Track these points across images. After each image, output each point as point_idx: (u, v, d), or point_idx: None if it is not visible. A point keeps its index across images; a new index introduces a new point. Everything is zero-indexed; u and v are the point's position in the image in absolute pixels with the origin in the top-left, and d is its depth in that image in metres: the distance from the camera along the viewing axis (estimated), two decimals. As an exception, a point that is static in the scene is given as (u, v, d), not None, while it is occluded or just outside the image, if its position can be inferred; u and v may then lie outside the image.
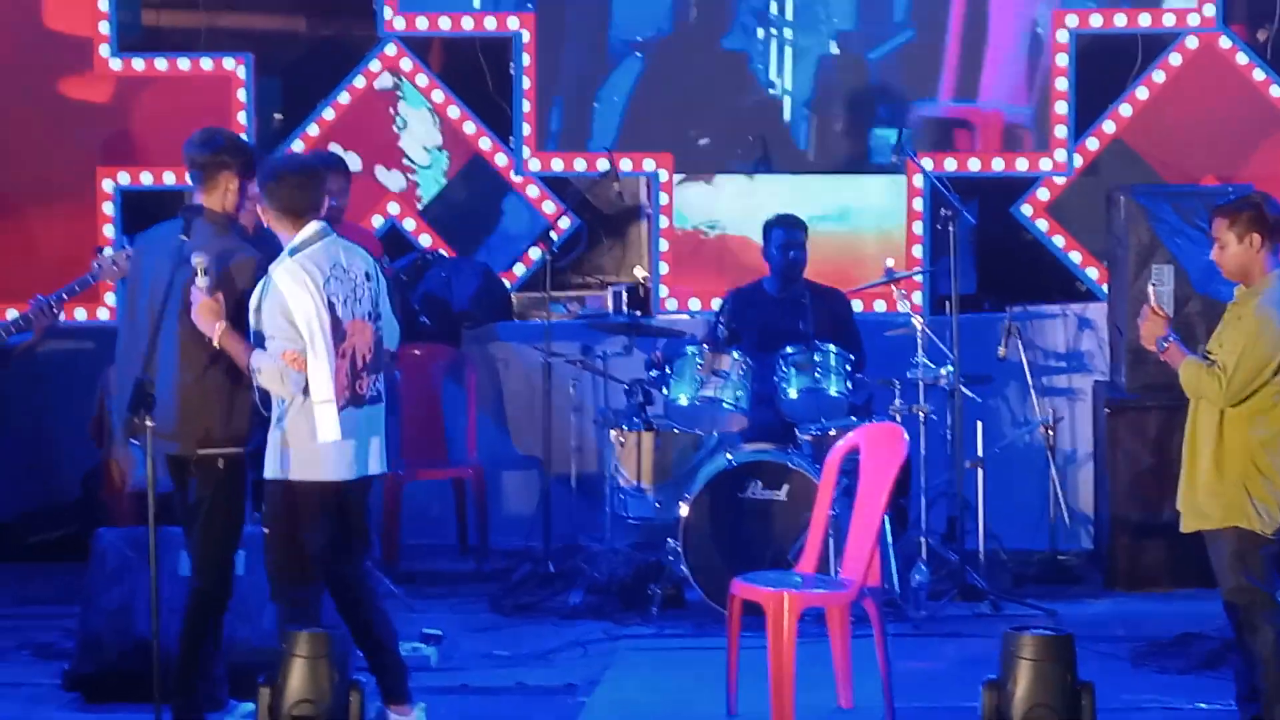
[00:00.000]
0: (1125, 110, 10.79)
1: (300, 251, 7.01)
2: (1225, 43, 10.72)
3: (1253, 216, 6.91)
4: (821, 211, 10.64)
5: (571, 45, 10.95)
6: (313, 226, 7.06)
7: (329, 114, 10.95)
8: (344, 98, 10.97)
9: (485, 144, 10.99)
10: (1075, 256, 10.81)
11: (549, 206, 10.89)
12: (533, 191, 10.97)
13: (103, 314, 10.93)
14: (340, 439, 6.91)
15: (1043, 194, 10.83)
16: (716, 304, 10.20)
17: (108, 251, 7.48)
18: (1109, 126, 10.81)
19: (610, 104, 10.85)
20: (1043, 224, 10.83)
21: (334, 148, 10.42)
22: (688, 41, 10.91)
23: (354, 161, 9.96)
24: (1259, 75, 10.70)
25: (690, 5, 10.90)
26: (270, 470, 6.98)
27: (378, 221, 10.91)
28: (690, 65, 10.87)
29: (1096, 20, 10.76)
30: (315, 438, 6.87)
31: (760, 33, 10.87)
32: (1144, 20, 10.77)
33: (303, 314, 6.89)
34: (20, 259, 10.71)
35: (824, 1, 10.84)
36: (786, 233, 9.83)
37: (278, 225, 7.10)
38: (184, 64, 10.97)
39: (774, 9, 10.85)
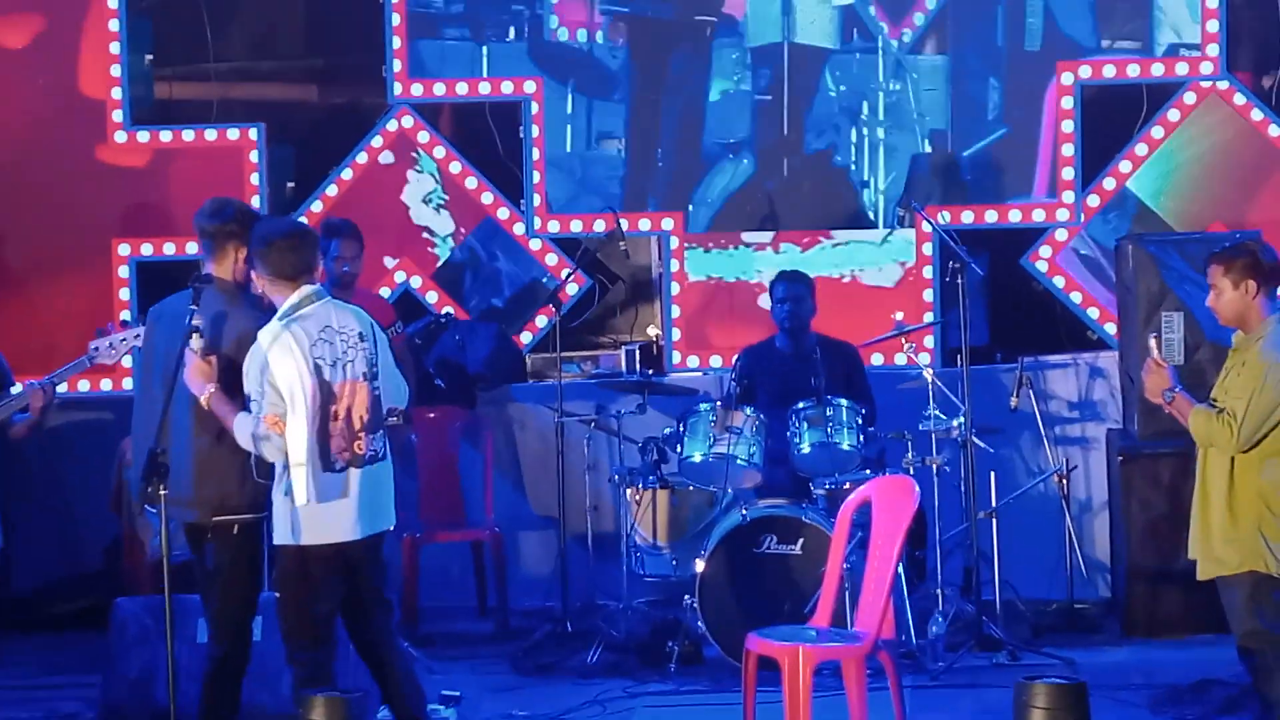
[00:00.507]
0: (1131, 159, 10.84)
1: (290, 315, 7.06)
2: (1226, 87, 10.77)
3: (1247, 263, 6.96)
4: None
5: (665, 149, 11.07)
6: (305, 290, 7.11)
7: (342, 181, 11.04)
8: (357, 163, 11.06)
9: (489, 200, 11.06)
10: (1085, 306, 10.85)
11: (557, 264, 10.97)
12: (542, 251, 11.04)
13: (127, 384, 11.01)
14: (322, 502, 6.96)
15: (1051, 245, 10.87)
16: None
17: (104, 339, 7.48)
18: (1115, 176, 10.86)
19: (705, 204, 10.98)
20: (1052, 274, 10.88)
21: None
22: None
23: (366, 226, 10.01)
24: (1256, 115, 10.75)
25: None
26: (279, 536, 7.03)
27: (397, 281, 10.99)
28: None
29: (1106, 70, 10.83)
30: (313, 501, 6.93)
31: (853, 133, 11.00)
32: (1148, 70, 10.83)
33: (284, 378, 6.94)
34: (38, 329, 10.79)
35: (918, 100, 10.94)
36: (787, 286, 9.90)
37: (271, 290, 7.14)
38: (196, 135, 11.07)
39: (865, 109, 10.97)
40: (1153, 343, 7.24)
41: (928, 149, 10.96)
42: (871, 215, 10.93)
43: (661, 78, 11.04)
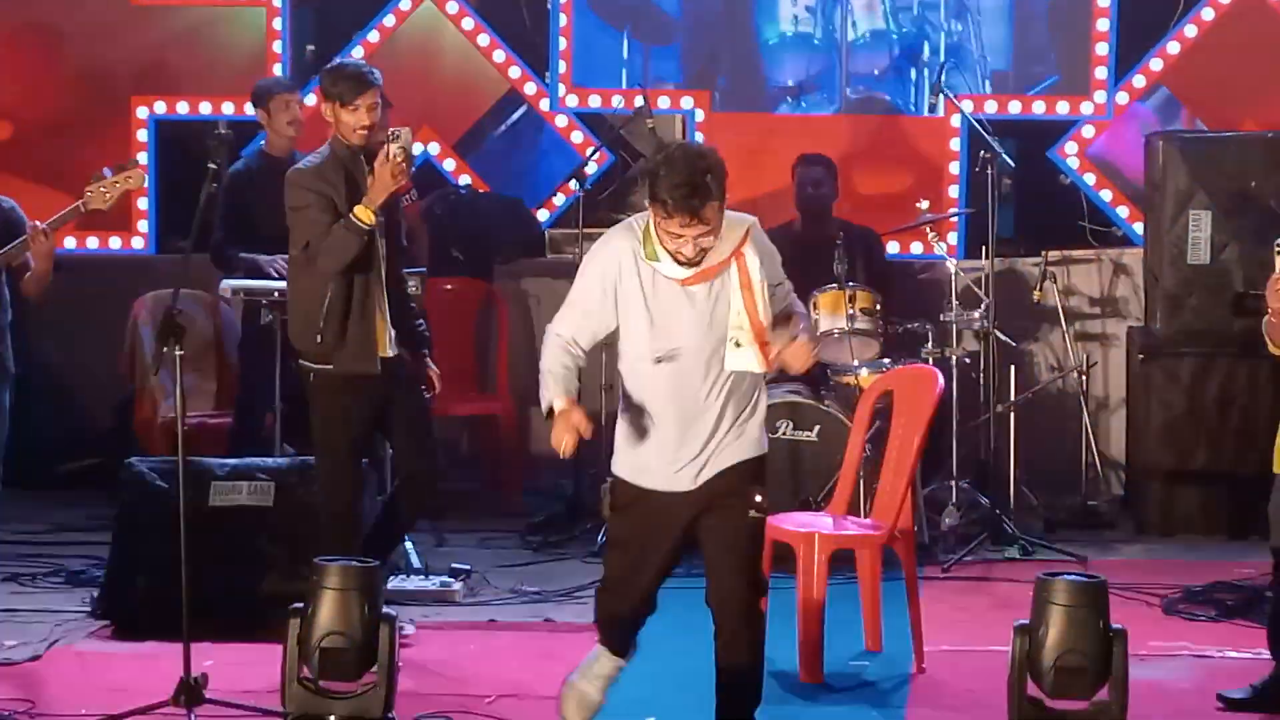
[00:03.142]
0: (1165, 55, 10.70)
1: None
2: (1273, -4, 10.63)
3: None
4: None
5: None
6: None
7: (365, 44, 10.90)
8: (378, 31, 10.92)
9: (516, 73, 10.94)
10: (1111, 202, 10.73)
11: (581, 140, 10.85)
12: (566, 126, 10.92)
13: (136, 243, 10.91)
14: None
15: (1080, 137, 10.74)
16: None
17: (96, 183, 7.33)
18: (1146, 72, 10.71)
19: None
20: (1079, 167, 10.76)
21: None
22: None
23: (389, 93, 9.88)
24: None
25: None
26: None
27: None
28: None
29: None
30: None
31: (913, 73, 10.88)
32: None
33: None
34: (58, 187, 10.69)
35: (980, 42, 10.82)
36: (807, 169, 9.80)
37: None
38: (218, -7, 10.95)
39: (926, 51, 10.87)
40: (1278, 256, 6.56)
41: (989, 90, 10.84)
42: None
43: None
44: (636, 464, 5.91)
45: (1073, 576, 6.07)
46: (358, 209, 7.17)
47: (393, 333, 7.40)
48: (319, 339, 7.29)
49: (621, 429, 5.91)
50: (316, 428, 7.49)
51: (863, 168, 10.68)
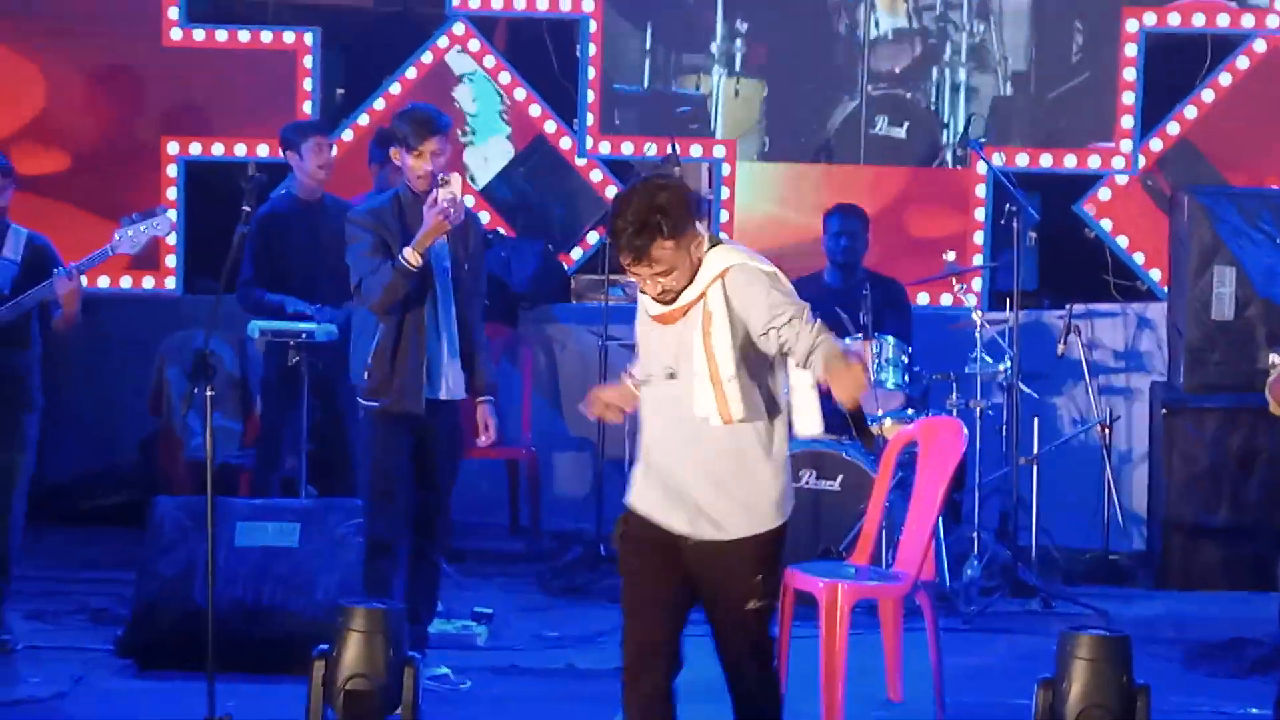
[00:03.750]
0: (1191, 110, 10.74)
1: None
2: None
3: None
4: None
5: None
6: None
7: (393, 90, 10.96)
8: (409, 74, 10.98)
9: (549, 126, 11.00)
10: (1137, 256, 10.77)
11: (609, 190, 10.91)
12: (595, 175, 10.98)
13: (170, 282, 10.95)
14: None
15: (1106, 192, 10.78)
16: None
17: (126, 228, 7.46)
18: (1174, 126, 10.76)
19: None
20: (1105, 222, 10.79)
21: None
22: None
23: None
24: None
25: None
26: None
27: (439, 199, 10.92)
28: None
29: (1171, 18, 10.71)
30: None
31: (934, 72, 10.90)
32: (1213, 20, 10.71)
33: None
34: (90, 225, 10.75)
35: (1000, 42, 10.85)
36: (842, 220, 9.84)
37: None
38: (252, 35, 10.98)
39: (948, 51, 10.87)
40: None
41: (1009, 91, 10.87)
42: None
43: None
44: (638, 488, 5.70)
45: (1097, 631, 6.08)
46: (406, 250, 7.35)
47: (456, 376, 7.53)
48: (366, 375, 7.45)
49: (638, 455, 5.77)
50: (363, 463, 7.61)
51: (889, 218, 10.71)
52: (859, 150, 10.92)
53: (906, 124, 10.93)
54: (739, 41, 10.98)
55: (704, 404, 5.47)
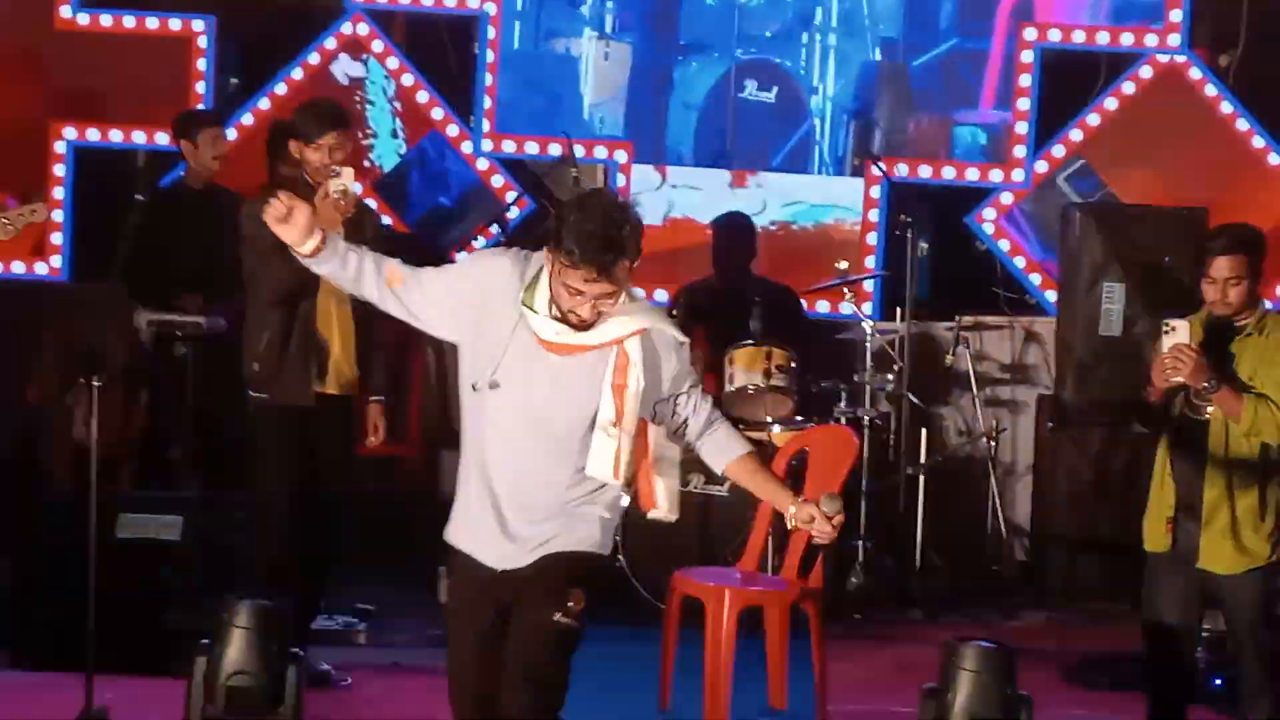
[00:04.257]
0: (1083, 127, 10.82)
1: None
2: (1194, 73, 10.75)
3: (1262, 249, 6.67)
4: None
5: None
6: None
7: (290, 82, 10.87)
8: (303, 67, 10.89)
9: (438, 114, 10.93)
10: (1026, 270, 10.83)
11: (501, 185, 10.86)
12: (489, 171, 10.93)
13: (39, 268, 10.78)
14: None
15: (998, 205, 10.84)
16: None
17: (3, 208, 7.23)
18: (1066, 143, 10.83)
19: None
20: (996, 236, 10.85)
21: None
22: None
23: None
24: (1226, 108, 10.73)
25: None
26: None
27: (337, 189, 10.83)
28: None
29: (1058, 35, 10.80)
30: None
31: (804, 37, 10.89)
32: (1116, 39, 10.80)
33: None
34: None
35: (870, 8, 10.85)
36: (724, 232, 9.82)
37: None
38: (138, 22, 10.84)
39: (819, 16, 10.87)
40: (1182, 326, 6.45)
41: (878, 57, 10.90)
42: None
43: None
44: (467, 526, 5.23)
45: (981, 643, 6.10)
46: None
47: (347, 371, 7.47)
48: (256, 366, 7.37)
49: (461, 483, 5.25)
50: (253, 457, 7.52)
51: (781, 227, 10.73)
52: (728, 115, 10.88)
53: (776, 89, 10.90)
54: (610, 3, 10.93)
55: (599, 458, 5.10)
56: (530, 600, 5.13)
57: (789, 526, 5.39)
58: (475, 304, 5.09)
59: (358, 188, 7.45)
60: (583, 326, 5.03)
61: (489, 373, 5.08)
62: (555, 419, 5.11)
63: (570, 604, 5.10)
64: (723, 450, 5.40)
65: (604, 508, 5.24)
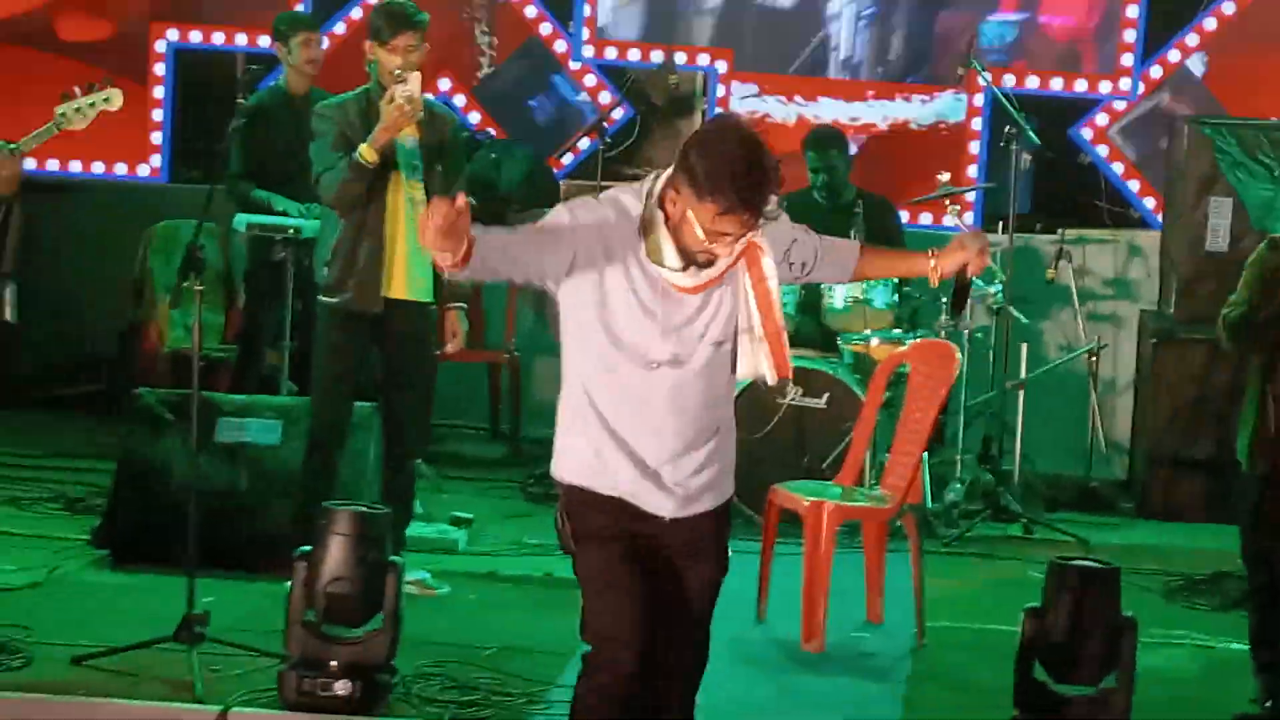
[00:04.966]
0: (1193, 39, 10.64)
1: None
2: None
3: None
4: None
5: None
6: None
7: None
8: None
9: (544, 28, 10.86)
10: (1132, 183, 10.69)
11: (603, 95, 10.79)
12: (588, 79, 10.86)
13: (142, 170, 10.81)
14: None
15: (1103, 118, 10.69)
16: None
17: (69, 103, 7.04)
18: (1175, 54, 10.66)
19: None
20: (1101, 148, 10.71)
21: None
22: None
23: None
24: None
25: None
26: None
27: (439, 90, 10.80)
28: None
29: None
30: None
31: None
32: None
33: None
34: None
35: None
36: (818, 156, 9.68)
37: None
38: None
39: None
40: None
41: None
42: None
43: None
44: (607, 472, 4.86)
45: (1087, 562, 6.04)
46: (361, 146, 7.12)
47: (421, 278, 7.34)
48: (325, 270, 7.30)
49: (585, 433, 4.85)
50: (313, 360, 7.49)
51: (882, 136, 10.62)
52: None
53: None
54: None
55: (756, 362, 4.84)
56: (704, 555, 4.98)
57: (934, 284, 5.33)
58: (585, 257, 4.69)
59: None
60: (711, 261, 4.73)
61: (658, 346, 4.76)
62: (710, 354, 4.82)
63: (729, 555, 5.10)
64: (839, 263, 5.20)
65: (732, 441, 5.00)
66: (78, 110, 6.85)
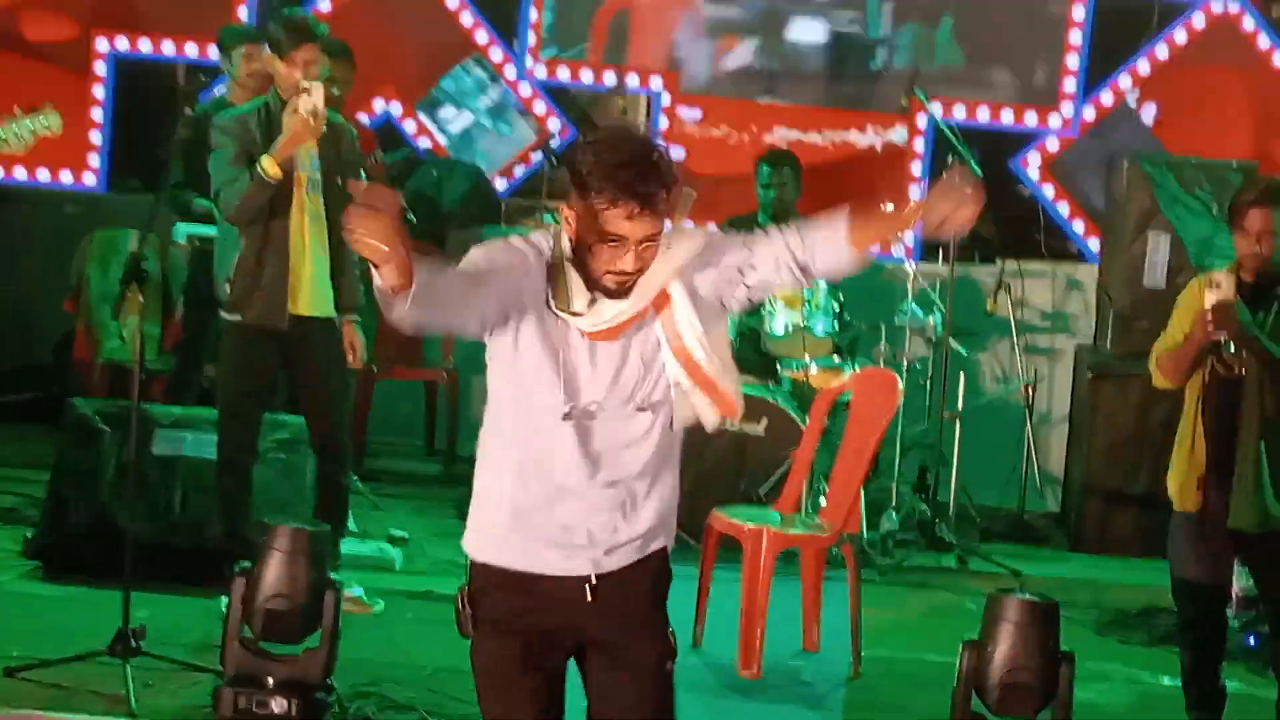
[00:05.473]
0: (1133, 74, 10.72)
1: None
2: (1247, 23, 10.64)
3: None
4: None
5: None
6: None
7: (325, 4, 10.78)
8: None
9: (486, 45, 10.85)
10: (1071, 218, 10.75)
11: (546, 115, 10.79)
12: (531, 97, 10.85)
13: (87, 179, 10.73)
14: None
15: (1044, 150, 10.75)
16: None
17: (9, 124, 6.99)
18: (1115, 90, 10.73)
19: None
20: (1040, 180, 10.77)
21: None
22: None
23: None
24: (1264, 43, 10.64)
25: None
26: None
27: (377, 109, 10.77)
28: None
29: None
30: None
31: None
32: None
33: None
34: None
35: None
36: (772, 172, 9.70)
37: None
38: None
39: None
40: (1227, 280, 6.30)
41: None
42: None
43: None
44: (516, 543, 4.42)
45: (1024, 595, 6.06)
46: (263, 159, 7.04)
47: (323, 292, 7.27)
48: (227, 287, 7.21)
49: (498, 502, 4.44)
50: (217, 377, 7.43)
51: (827, 163, 10.65)
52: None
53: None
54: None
55: (687, 412, 4.45)
56: (638, 627, 4.47)
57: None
58: (510, 293, 4.30)
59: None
60: (622, 290, 4.29)
61: (569, 396, 4.35)
62: (626, 404, 4.39)
63: (670, 635, 4.52)
64: (826, 248, 4.38)
65: (666, 496, 4.51)
66: (17, 135, 6.82)
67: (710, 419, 4.45)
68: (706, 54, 10.91)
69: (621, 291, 4.30)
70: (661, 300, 4.35)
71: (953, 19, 10.82)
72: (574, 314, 4.30)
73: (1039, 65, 10.82)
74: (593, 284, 4.30)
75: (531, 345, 4.33)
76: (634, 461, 4.43)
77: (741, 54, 10.90)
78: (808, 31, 10.86)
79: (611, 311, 4.31)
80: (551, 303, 4.31)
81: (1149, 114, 10.73)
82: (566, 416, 4.35)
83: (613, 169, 4.23)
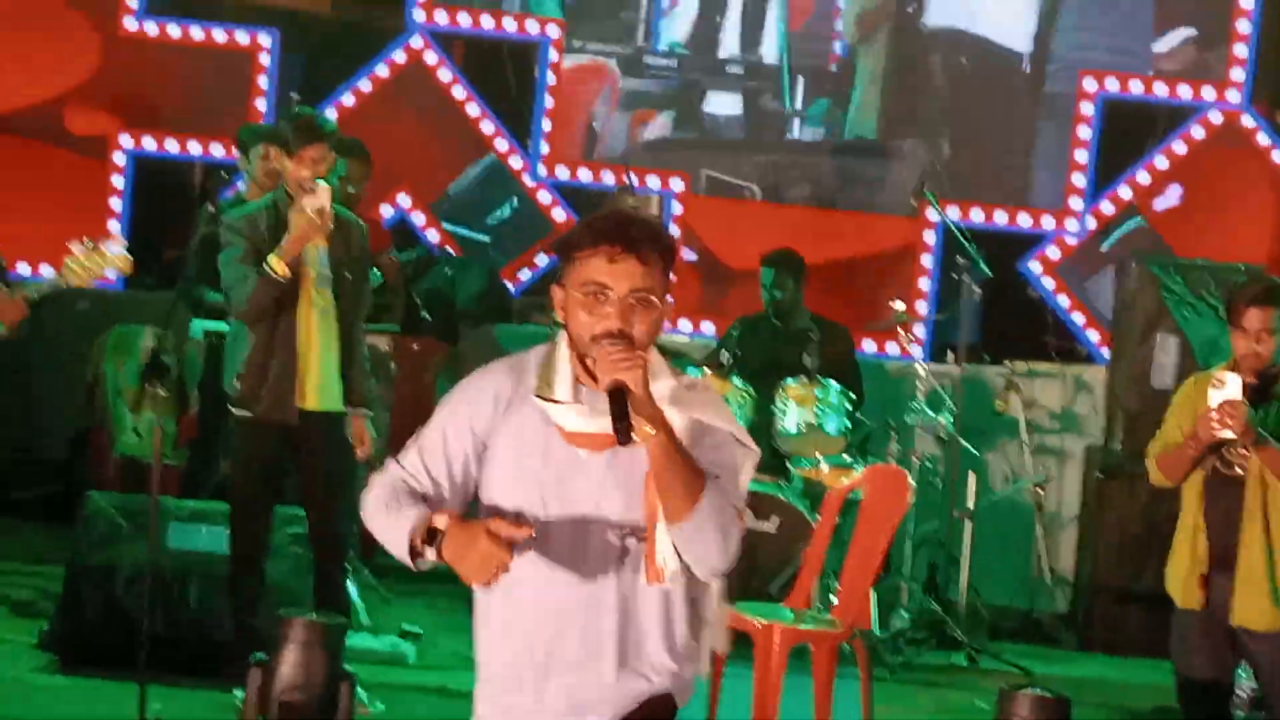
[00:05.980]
0: (1142, 178, 10.82)
1: None
2: (1250, 125, 10.76)
3: None
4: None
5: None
6: None
7: (348, 99, 10.91)
8: (365, 84, 10.93)
9: (502, 145, 10.97)
10: (1078, 318, 10.83)
11: (559, 214, 10.90)
12: (544, 198, 10.96)
13: (107, 272, 10.81)
14: None
15: (1052, 253, 10.85)
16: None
17: (80, 253, 7.01)
18: (1124, 193, 10.84)
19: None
20: (1049, 282, 10.86)
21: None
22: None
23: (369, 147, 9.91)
24: (1265, 144, 10.76)
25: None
26: None
27: (387, 212, 10.88)
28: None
29: (1116, 85, 10.81)
30: None
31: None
32: (1174, 91, 10.81)
33: None
34: (32, 215, 10.63)
35: None
36: (775, 275, 9.74)
37: None
38: (206, 33, 10.89)
39: None
40: (1234, 381, 6.33)
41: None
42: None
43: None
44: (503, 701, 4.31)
45: (1036, 691, 6.09)
46: (271, 258, 7.10)
47: (332, 387, 7.32)
48: (237, 383, 7.27)
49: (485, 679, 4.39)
50: (230, 471, 7.47)
51: (836, 262, 10.74)
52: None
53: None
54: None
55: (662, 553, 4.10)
56: None
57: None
58: (471, 437, 4.14)
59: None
60: (621, 334, 3.92)
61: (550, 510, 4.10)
62: (603, 539, 4.10)
63: None
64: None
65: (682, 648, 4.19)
66: (85, 268, 6.85)
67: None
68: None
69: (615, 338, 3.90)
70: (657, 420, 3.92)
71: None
72: (553, 400, 4.00)
73: (1045, 169, 10.92)
74: (582, 359, 4.00)
75: (504, 453, 4.10)
76: (634, 607, 4.17)
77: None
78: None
79: (598, 421, 3.96)
80: (532, 397, 4.04)
81: (1156, 216, 10.82)
82: (542, 537, 4.06)
83: (594, 220, 4.01)
